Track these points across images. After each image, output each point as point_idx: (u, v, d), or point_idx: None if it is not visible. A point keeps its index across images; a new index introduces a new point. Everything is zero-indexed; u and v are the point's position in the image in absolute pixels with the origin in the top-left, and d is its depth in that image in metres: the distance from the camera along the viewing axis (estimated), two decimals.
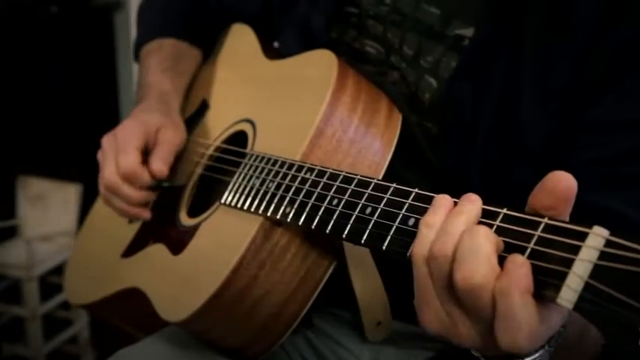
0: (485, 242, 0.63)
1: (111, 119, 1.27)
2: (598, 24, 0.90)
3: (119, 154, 1.12)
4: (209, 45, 1.40)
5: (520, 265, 0.61)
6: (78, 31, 3.10)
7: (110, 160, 1.13)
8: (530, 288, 0.61)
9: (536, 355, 0.69)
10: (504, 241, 0.64)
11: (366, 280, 0.99)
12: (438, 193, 0.73)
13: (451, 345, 0.72)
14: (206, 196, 1.14)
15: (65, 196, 2.70)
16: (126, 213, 1.16)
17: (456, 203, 0.70)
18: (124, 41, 3.14)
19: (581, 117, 0.91)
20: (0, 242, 2.63)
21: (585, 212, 0.88)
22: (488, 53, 0.96)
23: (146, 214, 1.16)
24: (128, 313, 1.23)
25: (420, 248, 0.68)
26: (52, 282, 2.71)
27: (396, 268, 0.75)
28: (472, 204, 0.68)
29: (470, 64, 0.98)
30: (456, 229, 0.66)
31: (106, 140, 1.15)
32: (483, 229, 0.64)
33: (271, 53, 1.24)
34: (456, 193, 0.71)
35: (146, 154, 1.15)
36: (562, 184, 0.64)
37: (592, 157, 0.91)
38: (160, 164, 1.13)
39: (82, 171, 2.65)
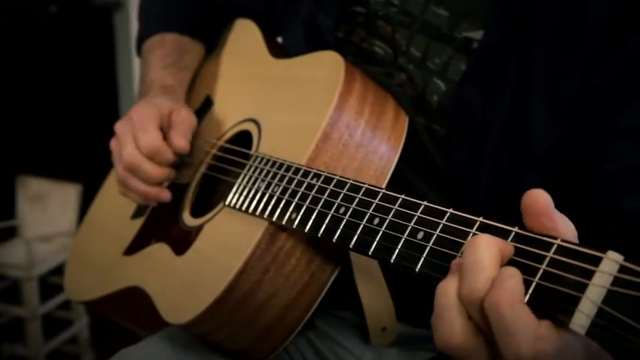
0: (485, 253, 0.62)
1: (110, 119, 1.26)
2: (611, 28, 0.89)
3: (139, 134, 1.10)
4: (212, 40, 1.39)
5: (509, 277, 0.60)
6: (77, 31, 3.10)
7: (128, 140, 1.11)
8: (521, 298, 0.60)
9: None
10: (515, 260, 0.63)
11: (371, 286, 0.99)
12: (446, 197, 0.72)
13: None
14: (209, 196, 1.14)
15: (65, 196, 2.70)
16: (145, 194, 1.13)
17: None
18: (123, 41, 3.14)
19: (606, 124, 0.91)
20: (0, 242, 2.63)
21: (628, 219, 0.89)
22: (498, 57, 0.95)
23: (166, 194, 1.14)
24: (129, 311, 1.22)
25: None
26: (51, 282, 2.71)
27: (402, 275, 0.75)
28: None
29: (479, 68, 0.97)
30: (447, 297, 0.64)
31: (121, 125, 1.14)
32: (482, 238, 0.63)
33: (276, 51, 1.23)
34: (464, 197, 0.71)
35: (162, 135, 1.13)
36: (541, 202, 0.64)
37: (627, 165, 0.90)
38: (182, 140, 1.12)
39: (82, 171, 2.66)
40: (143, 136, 1.10)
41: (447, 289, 0.64)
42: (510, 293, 0.59)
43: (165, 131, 1.13)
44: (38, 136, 2.93)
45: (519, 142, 0.94)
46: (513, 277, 0.60)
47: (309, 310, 0.96)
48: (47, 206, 2.73)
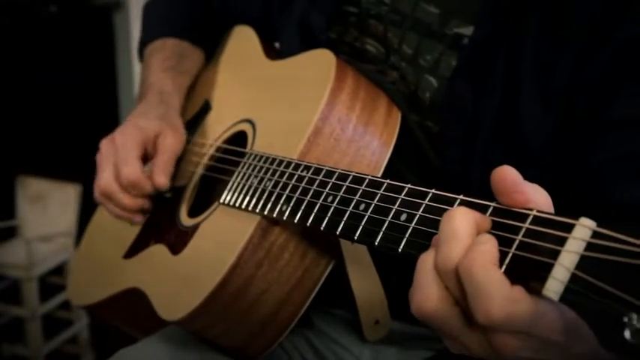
0: (460, 224, 0.63)
1: (110, 119, 1.27)
2: (600, 21, 0.90)
3: (120, 164, 1.12)
4: (212, 46, 1.40)
5: (483, 242, 0.61)
6: (77, 31, 3.10)
7: (108, 167, 1.14)
8: (494, 261, 0.60)
9: None
10: (492, 233, 0.63)
11: (363, 279, 0.99)
12: (442, 192, 0.73)
13: None
14: (207, 196, 1.14)
15: (64, 196, 2.71)
16: (120, 216, 1.17)
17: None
18: (123, 41, 3.14)
19: (596, 114, 0.91)
20: (0, 242, 2.63)
21: (620, 208, 0.89)
22: (488, 52, 0.96)
23: (138, 218, 1.18)
24: (129, 314, 1.23)
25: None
26: (51, 282, 2.71)
27: (394, 267, 0.75)
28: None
29: (470, 63, 0.98)
30: (425, 267, 0.65)
31: (104, 144, 1.16)
32: (458, 210, 0.64)
33: (272, 54, 1.24)
34: (456, 192, 0.71)
35: (145, 159, 1.16)
36: (507, 176, 0.65)
37: (620, 154, 0.90)
38: (163, 177, 1.14)
39: (82, 171, 2.64)
40: (124, 167, 1.12)
41: (426, 260, 0.65)
42: (483, 256, 0.60)
43: (149, 155, 1.16)
44: (38, 137, 2.93)
45: (511, 137, 0.95)
46: (487, 242, 0.61)
47: (302, 305, 0.97)
48: (47, 206, 2.73)
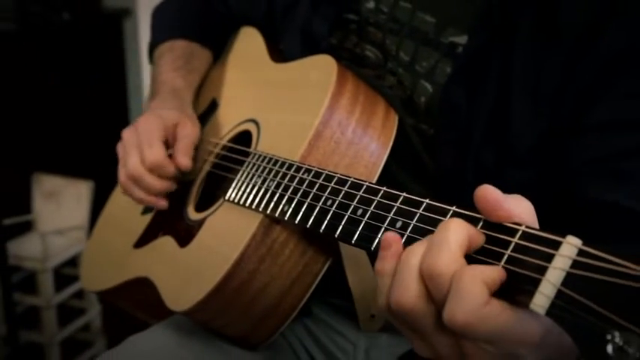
0: (453, 234, 0.63)
1: (120, 120, 1.27)
2: (586, 29, 0.90)
3: (144, 147, 1.11)
4: (219, 47, 1.39)
5: (492, 269, 0.61)
6: (89, 37, 3.09)
7: (134, 151, 1.12)
8: (488, 281, 0.60)
9: None
10: (486, 247, 0.63)
11: (360, 275, 0.99)
12: (434, 194, 0.73)
13: None
14: (213, 192, 1.14)
15: (77, 192, 2.70)
16: (144, 201, 1.15)
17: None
18: (132, 46, 3.14)
19: (578, 119, 0.91)
20: (16, 236, 2.62)
21: (594, 209, 0.89)
22: (482, 60, 0.96)
23: (163, 203, 1.15)
24: (138, 301, 1.23)
25: (379, 298, 0.68)
26: (65, 273, 2.71)
27: None
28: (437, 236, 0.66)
29: (464, 70, 0.97)
30: (411, 262, 0.65)
31: (128, 133, 1.15)
32: (454, 221, 0.64)
33: (277, 56, 1.24)
34: (450, 194, 0.71)
35: (166, 147, 1.14)
36: (488, 196, 0.64)
37: (594, 156, 0.90)
38: (185, 158, 1.13)
39: (94, 168, 2.65)
40: (148, 150, 1.11)
41: (414, 252, 0.65)
42: (477, 270, 0.60)
43: (170, 143, 1.15)
44: (52, 136, 2.93)
45: (502, 140, 0.95)
46: (496, 270, 0.61)
47: (302, 298, 0.97)
48: (61, 202, 2.72)
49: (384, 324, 1.06)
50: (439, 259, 0.62)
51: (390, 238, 0.69)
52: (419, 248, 0.65)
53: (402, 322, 0.66)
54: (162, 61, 1.33)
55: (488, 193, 0.64)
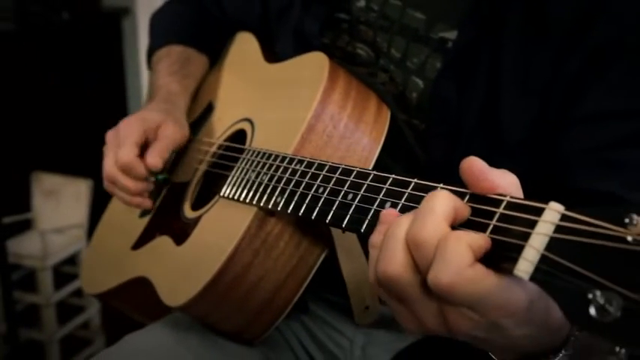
0: (439, 203, 0.62)
1: (119, 119, 1.26)
2: (575, 22, 0.90)
3: (119, 148, 1.11)
4: (215, 51, 1.39)
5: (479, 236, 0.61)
6: (88, 36, 3.10)
7: (110, 153, 1.13)
8: (473, 244, 0.60)
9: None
10: (472, 219, 0.64)
11: (354, 268, 0.99)
12: (424, 181, 0.72)
13: None
14: (209, 191, 1.14)
15: (77, 190, 2.70)
16: (128, 202, 1.16)
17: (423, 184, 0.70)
18: (131, 45, 3.14)
19: (569, 111, 0.91)
20: (16, 234, 2.62)
21: (584, 198, 0.89)
22: (471, 54, 0.96)
23: (147, 203, 1.16)
24: (137, 302, 1.23)
25: (370, 270, 0.67)
26: (65, 271, 2.71)
27: None
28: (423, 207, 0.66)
29: (454, 65, 0.98)
30: (398, 233, 0.64)
31: (109, 135, 1.15)
32: (442, 192, 0.64)
33: (271, 57, 1.24)
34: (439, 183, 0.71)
35: (146, 147, 1.14)
36: (474, 167, 0.65)
37: (586, 147, 0.91)
38: (155, 158, 1.12)
39: (93, 167, 2.64)
40: (121, 151, 1.11)
41: (399, 223, 0.64)
42: (461, 234, 0.60)
43: (148, 145, 1.14)
44: (52, 135, 2.93)
45: (492, 133, 0.95)
46: (483, 237, 0.61)
47: (297, 292, 0.97)
48: (60, 200, 2.72)
49: (379, 318, 1.05)
50: (424, 227, 0.61)
51: (387, 212, 0.69)
52: (405, 219, 0.65)
53: (389, 293, 0.65)
54: (159, 67, 1.33)
55: (473, 164, 0.65)
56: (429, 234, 0.61)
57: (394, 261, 0.63)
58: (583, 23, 0.90)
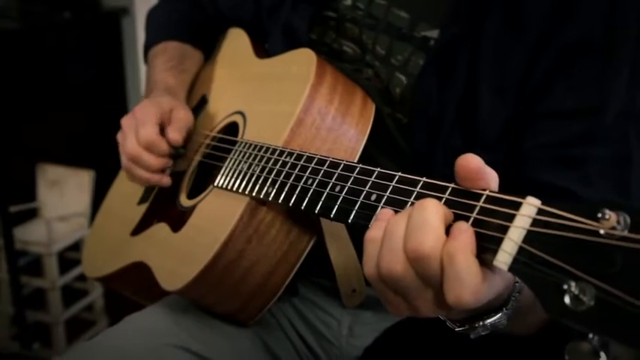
0: (433, 214, 0.62)
1: (119, 112, 1.26)
2: (548, 24, 0.90)
3: (139, 128, 1.11)
4: (209, 47, 1.38)
5: (464, 230, 0.60)
6: (89, 34, 3.08)
7: (131, 134, 1.12)
8: (474, 250, 0.60)
9: (496, 317, 0.69)
10: (454, 212, 0.63)
11: (341, 253, 0.99)
12: (408, 175, 0.72)
13: None
14: (204, 181, 1.13)
15: (80, 181, 2.69)
16: (147, 180, 1.14)
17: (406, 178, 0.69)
18: (130, 43, 3.13)
19: (535, 106, 0.92)
20: (22, 222, 2.61)
21: (539, 190, 0.89)
22: (452, 53, 0.96)
23: (166, 180, 1.15)
24: (135, 285, 1.22)
25: (369, 264, 0.67)
26: (69, 257, 2.70)
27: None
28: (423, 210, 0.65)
29: (435, 63, 0.97)
30: (398, 232, 0.64)
31: (125, 120, 1.15)
32: (431, 202, 0.63)
33: (261, 53, 1.24)
34: (423, 175, 0.71)
35: (161, 130, 1.14)
36: (471, 166, 0.64)
37: (545, 142, 0.91)
38: (175, 134, 1.12)
39: (95, 158, 2.65)
40: (142, 130, 1.11)
41: (398, 224, 0.64)
42: (467, 244, 0.60)
43: (164, 126, 1.14)
44: (55, 129, 2.91)
45: (470, 126, 0.95)
46: (468, 231, 0.60)
47: (288, 276, 0.96)
48: (64, 190, 2.71)
49: (364, 300, 1.06)
50: (426, 239, 0.61)
51: (385, 210, 0.69)
52: (402, 218, 0.64)
53: (389, 287, 0.65)
54: (156, 62, 1.32)
55: (472, 162, 0.64)
56: (431, 247, 0.61)
57: (399, 261, 0.63)
58: (554, 24, 0.90)
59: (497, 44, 0.93)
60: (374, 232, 0.67)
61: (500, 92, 0.93)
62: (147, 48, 1.41)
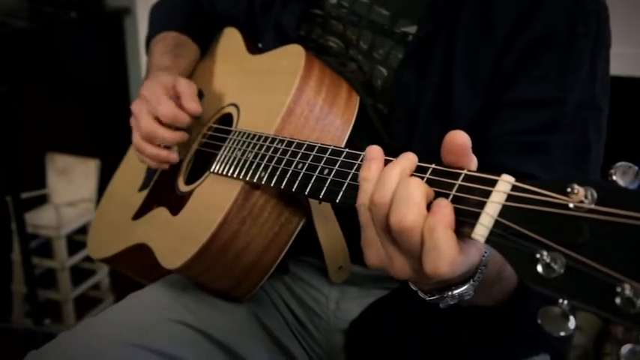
0: (416, 191, 0.62)
1: (123, 106, 1.26)
2: (515, 21, 0.90)
3: (157, 107, 1.07)
4: (206, 43, 1.37)
5: (444, 206, 0.60)
6: (94, 32, 3.07)
7: (144, 114, 1.08)
8: (452, 224, 0.60)
9: (463, 287, 0.69)
10: (434, 191, 0.63)
11: (329, 233, 0.99)
12: (392, 157, 0.72)
13: (404, 285, 0.72)
14: (201, 168, 1.13)
15: (86, 169, 2.68)
16: (157, 155, 1.10)
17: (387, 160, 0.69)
18: (132, 40, 3.11)
19: (502, 97, 0.92)
20: (33, 208, 2.60)
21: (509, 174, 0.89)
22: (429, 47, 0.96)
23: (174, 155, 1.11)
24: (137, 265, 1.22)
25: (362, 199, 0.67)
26: (77, 240, 2.69)
27: (354, 221, 0.75)
28: (408, 160, 0.67)
29: (413, 56, 0.97)
30: (391, 180, 0.64)
31: (135, 104, 1.11)
32: (415, 180, 0.63)
33: (254, 49, 1.23)
34: None
35: None
36: (458, 141, 0.64)
37: (510, 130, 0.92)
38: (193, 104, 1.08)
39: (100, 148, 2.64)
40: (159, 107, 1.07)
41: (391, 168, 0.65)
42: (446, 218, 0.60)
43: (173, 101, 1.10)
44: (64, 121, 2.89)
45: (445, 116, 0.95)
46: (447, 206, 0.60)
47: (279, 255, 0.96)
48: (72, 178, 2.70)
49: (350, 277, 1.06)
50: (409, 213, 0.61)
51: (374, 147, 0.69)
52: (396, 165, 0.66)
53: (371, 219, 0.65)
54: (155, 49, 1.31)
55: (463, 139, 0.64)
56: (413, 222, 0.61)
57: (387, 191, 0.63)
58: (521, 20, 0.90)
59: (469, 40, 0.93)
60: (366, 172, 0.67)
61: (472, 84, 0.93)
62: (148, 39, 1.39)
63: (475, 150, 0.68)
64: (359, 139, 1.00)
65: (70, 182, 2.70)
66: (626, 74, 2.04)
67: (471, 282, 0.69)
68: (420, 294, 0.71)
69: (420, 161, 0.67)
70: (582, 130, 0.92)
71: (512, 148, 0.91)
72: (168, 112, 1.07)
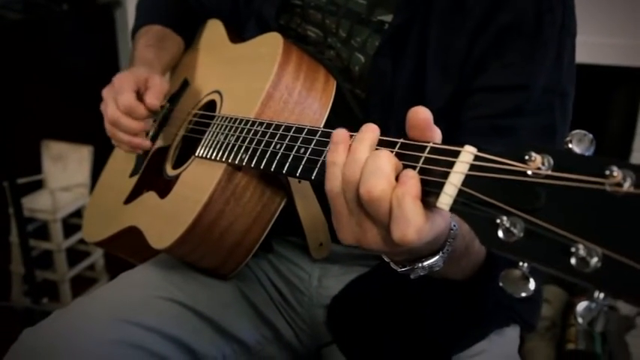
0: (386, 163, 0.61)
1: None
2: (486, 9, 0.90)
3: (118, 95, 1.07)
4: (190, 36, 1.35)
5: (411, 177, 0.60)
6: (85, 24, 3.04)
7: (111, 101, 1.08)
8: (419, 194, 0.60)
9: (433, 259, 0.69)
10: (402, 164, 0.63)
11: (308, 210, 0.99)
12: None
13: (382, 263, 0.71)
14: (187, 152, 1.12)
15: (80, 155, 2.66)
16: (129, 142, 1.09)
17: (351, 136, 0.67)
18: (123, 32, 3.09)
19: (472, 83, 0.91)
20: (30, 193, 2.58)
21: None
22: (404, 35, 0.95)
23: (147, 143, 1.11)
24: (129, 247, 1.21)
25: (332, 182, 0.65)
26: (72, 223, 2.67)
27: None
28: (372, 132, 0.66)
29: (389, 44, 0.97)
30: (361, 157, 0.63)
31: (105, 91, 1.11)
32: (385, 152, 0.62)
33: (236, 39, 1.21)
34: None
35: (138, 97, 1.10)
36: (420, 116, 0.63)
37: (480, 113, 0.92)
38: (153, 99, 1.08)
39: (94, 136, 2.60)
40: (120, 96, 1.07)
41: (362, 150, 0.64)
42: (413, 188, 0.59)
43: (141, 93, 1.10)
44: (58, 109, 2.87)
45: (419, 100, 0.94)
46: (414, 177, 0.60)
47: (262, 233, 0.96)
48: (66, 164, 2.68)
49: (331, 255, 1.05)
50: (379, 184, 0.60)
51: (340, 131, 0.67)
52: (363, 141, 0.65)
53: (343, 196, 0.64)
54: (139, 42, 1.28)
55: (424, 114, 0.63)
56: (382, 191, 0.60)
57: (357, 169, 0.63)
58: (492, 9, 0.90)
59: (443, 28, 0.93)
60: (333, 156, 0.66)
61: (445, 70, 0.93)
62: (134, 32, 1.37)
63: (447, 133, 0.68)
64: (337, 122, 0.99)
65: (64, 168, 2.68)
66: (594, 62, 2.06)
67: (440, 254, 0.69)
68: (393, 265, 0.71)
69: (388, 135, 0.67)
70: (549, 114, 0.92)
71: (483, 130, 0.91)
72: (126, 102, 1.06)
